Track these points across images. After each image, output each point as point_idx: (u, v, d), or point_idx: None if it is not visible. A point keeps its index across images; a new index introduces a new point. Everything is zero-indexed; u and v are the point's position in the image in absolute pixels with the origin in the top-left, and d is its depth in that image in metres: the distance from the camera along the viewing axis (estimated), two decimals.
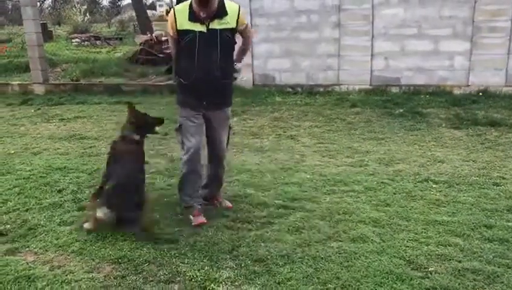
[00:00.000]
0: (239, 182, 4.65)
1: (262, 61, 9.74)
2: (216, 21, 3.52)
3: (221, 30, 3.54)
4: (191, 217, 3.76)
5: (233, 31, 3.62)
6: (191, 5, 3.54)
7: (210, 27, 3.53)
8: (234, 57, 3.87)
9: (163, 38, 15.64)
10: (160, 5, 56.15)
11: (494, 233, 3.45)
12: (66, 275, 3.04)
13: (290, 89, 9.42)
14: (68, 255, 3.31)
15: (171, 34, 3.66)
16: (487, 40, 8.41)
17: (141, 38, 16.37)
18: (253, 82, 9.76)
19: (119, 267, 3.14)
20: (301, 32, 9.42)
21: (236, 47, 3.80)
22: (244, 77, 3.61)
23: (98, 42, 21.63)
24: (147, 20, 23.06)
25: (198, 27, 3.52)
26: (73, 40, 21.90)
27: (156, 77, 12.33)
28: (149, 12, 32.30)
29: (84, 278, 3.01)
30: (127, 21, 31.60)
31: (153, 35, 15.70)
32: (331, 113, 7.65)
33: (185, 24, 3.54)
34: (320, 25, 9.31)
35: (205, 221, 3.72)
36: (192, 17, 3.52)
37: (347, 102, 8.28)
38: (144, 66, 13.90)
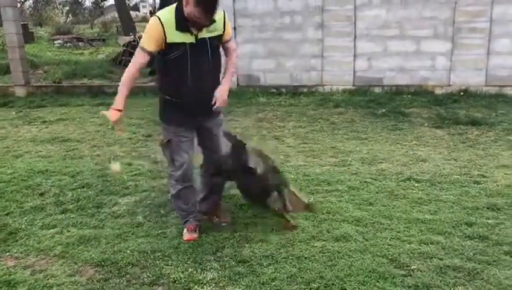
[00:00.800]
0: None
1: (246, 62, 9.75)
2: (204, 29, 3.20)
3: (211, 38, 3.26)
4: (185, 229, 3.58)
5: (220, 38, 3.35)
6: (177, 12, 3.14)
7: (199, 37, 3.20)
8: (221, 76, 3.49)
9: None
10: (144, 6, 55.86)
11: (474, 230, 3.51)
12: (48, 280, 3.01)
13: (274, 90, 9.45)
14: (50, 259, 3.28)
15: (150, 50, 3.16)
16: (467, 40, 8.54)
17: (124, 39, 16.26)
18: (238, 83, 9.76)
19: (102, 270, 3.12)
20: (285, 32, 9.45)
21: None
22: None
23: (80, 43, 21.40)
24: (130, 22, 22.91)
25: (188, 38, 3.17)
26: (55, 42, 21.66)
27: (139, 78, 12.25)
28: (132, 13, 32.10)
29: (66, 282, 2.98)
30: (110, 22, 31.32)
31: (136, 36, 15.60)
32: (314, 114, 7.69)
33: (174, 36, 3.14)
34: (303, 26, 9.35)
35: (196, 238, 3.51)
36: (181, 26, 3.13)
37: (330, 102, 8.34)
38: (127, 67, 13.80)
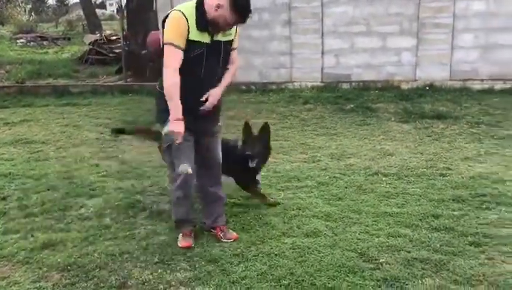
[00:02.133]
0: None
1: None
2: (221, 32, 3.14)
3: (225, 42, 3.19)
4: (180, 235, 3.42)
5: (231, 43, 3.27)
6: (198, 10, 3.04)
7: (214, 38, 3.13)
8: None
9: (113, 38, 15.32)
10: (111, 4, 54.90)
11: (440, 222, 3.58)
12: (11, 287, 2.91)
13: (244, 87, 9.43)
14: (13, 265, 3.17)
15: (180, 46, 3.03)
16: (432, 36, 8.71)
17: (90, 38, 15.93)
18: None
19: (69, 274, 3.04)
20: (253, 30, 9.42)
21: None
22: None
23: (44, 42, 20.90)
24: (96, 20, 22.48)
25: (205, 38, 3.09)
26: (18, 41, 21.09)
27: (106, 77, 12.06)
28: (98, 11, 31.48)
29: (30, 288, 2.89)
30: (75, 20, 30.62)
31: (103, 34, 15.34)
32: (284, 111, 7.71)
33: (195, 34, 3.05)
34: (271, 23, 9.36)
35: (192, 245, 3.34)
36: (202, 25, 3.04)
37: (300, 99, 8.38)
38: (94, 66, 13.58)
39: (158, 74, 3.26)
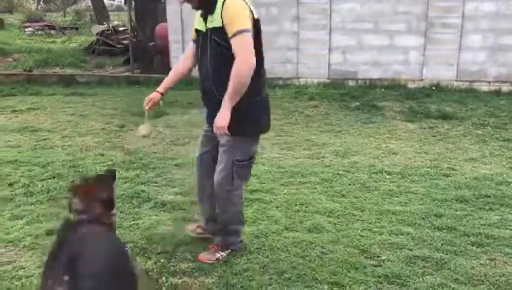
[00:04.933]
0: None
1: None
2: (209, 17, 2.68)
3: (211, 30, 2.69)
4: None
5: (219, 32, 2.65)
6: None
7: (207, 26, 2.71)
8: None
9: (121, 29, 15.33)
10: None
11: (443, 222, 3.60)
12: (17, 271, 2.96)
13: None
14: (19, 251, 3.22)
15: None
16: (440, 35, 8.68)
17: (98, 28, 15.95)
18: None
19: None
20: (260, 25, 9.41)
21: None
22: None
23: (52, 32, 20.92)
24: (104, 10, 22.47)
25: (203, 26, 2.77)
26: (26, 29, 21.12)
27: (113, 67, 12.09)
28: (107, 2, 31.46)
29: (36, 274, 2.93)
30: (83, 10, 30.66)
31: (110, 25, 15.35)
32: (289, 106, 7.72)
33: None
34: (279, 18, 9.35)
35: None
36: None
37: (305, 95, 8.37)
38: (101, 57, 13.61)
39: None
